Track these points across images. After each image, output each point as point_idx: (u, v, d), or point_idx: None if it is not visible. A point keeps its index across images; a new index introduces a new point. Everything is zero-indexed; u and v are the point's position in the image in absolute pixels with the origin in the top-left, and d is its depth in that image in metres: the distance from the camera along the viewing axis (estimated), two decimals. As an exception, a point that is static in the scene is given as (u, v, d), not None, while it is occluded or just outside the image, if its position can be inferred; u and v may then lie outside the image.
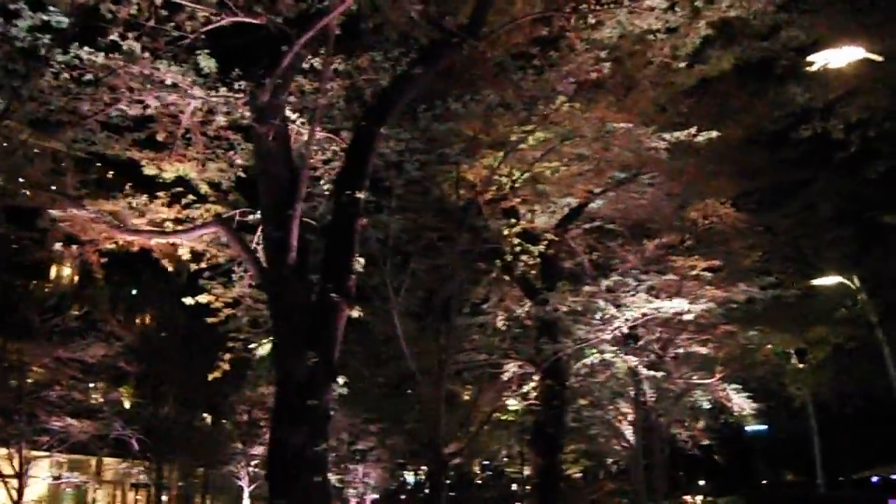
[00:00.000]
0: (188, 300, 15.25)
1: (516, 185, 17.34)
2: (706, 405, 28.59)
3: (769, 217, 25.95)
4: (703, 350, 24.85)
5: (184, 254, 15.29)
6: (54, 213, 12.35)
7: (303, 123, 13.05)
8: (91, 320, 33.41)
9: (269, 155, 11.35)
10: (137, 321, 42.83)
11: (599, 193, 21.46)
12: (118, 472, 40.16)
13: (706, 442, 33.63)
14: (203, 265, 15.13)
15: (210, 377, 14.84)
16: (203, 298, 15.26)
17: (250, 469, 37.23)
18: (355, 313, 11.38)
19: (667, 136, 15.39)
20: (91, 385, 35.26)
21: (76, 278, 46.45)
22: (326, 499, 10.59)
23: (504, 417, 32.83)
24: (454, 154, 15.48)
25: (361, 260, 11.74)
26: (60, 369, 30.86)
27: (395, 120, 13.04)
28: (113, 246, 15.03)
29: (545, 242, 17.81)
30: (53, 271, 45.39)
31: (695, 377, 26.20)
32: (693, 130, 15.15)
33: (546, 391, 20.47)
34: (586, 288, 17.97)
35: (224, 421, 41.44)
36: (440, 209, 17.77)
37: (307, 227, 12.34)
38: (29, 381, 30.50)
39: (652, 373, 21.34)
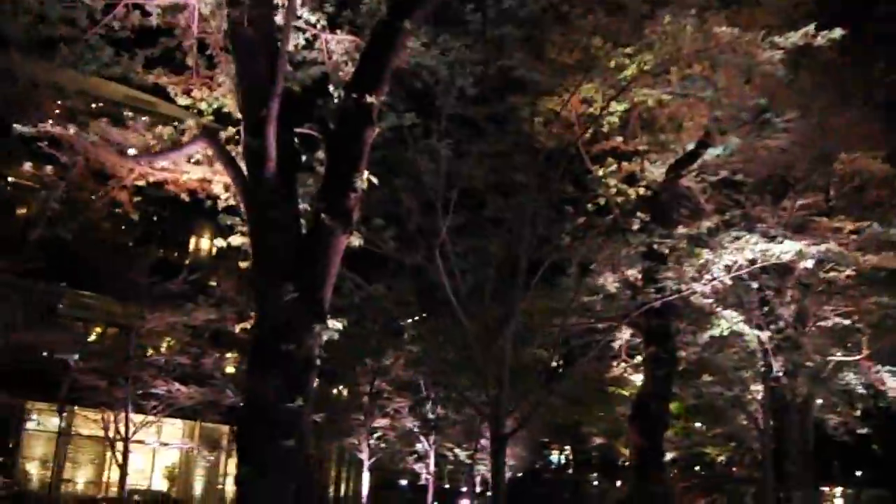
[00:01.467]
0: (220, 242, 13.48)
1: (610, 112, 14.59)
2: (860, 389, 24.88)
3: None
4: (845, 321, 21.35)
5: (220, 191, 13.54)
6: (21, 129, 10.68)
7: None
8: (201, 285, 32.81)
9: (248, 47, 9.26)
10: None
11: (721, 136, 18.38)
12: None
13: (861, 430, 29.81)
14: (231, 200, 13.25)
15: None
16: (236, 240, 13.46)
17: (371, 441, 35.84)
18: (356, 241, 9.20)
19: (780, 40, 12.31)
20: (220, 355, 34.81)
21: (213, 250, 46.81)
22: (298, 468, 8.33)
23: (628, 392, 30.34)
24: (525, 73, 12.94)
25: (373, 179, 9.55)
26: (170, 333, 30.51)
27: (426, 16, 10.68)
28: (142, 183, 13.47)
29: (643, 184, 15.05)
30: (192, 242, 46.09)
31: (837, 353, 22.57)
32: (811, 30, 12.03)
33: (651, 359, 17.78)
34: (680, 229, 15.11)
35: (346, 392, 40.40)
36: (519, 144, 15.23)
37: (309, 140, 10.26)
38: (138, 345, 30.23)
39: (765, 334, 18.09)
